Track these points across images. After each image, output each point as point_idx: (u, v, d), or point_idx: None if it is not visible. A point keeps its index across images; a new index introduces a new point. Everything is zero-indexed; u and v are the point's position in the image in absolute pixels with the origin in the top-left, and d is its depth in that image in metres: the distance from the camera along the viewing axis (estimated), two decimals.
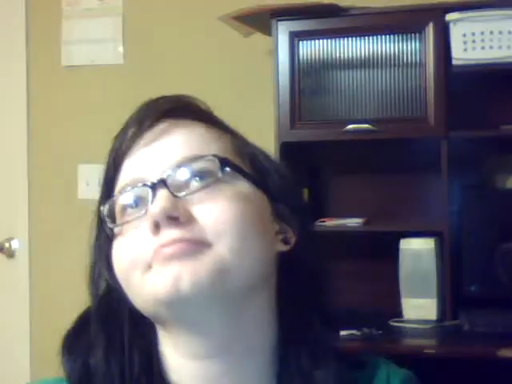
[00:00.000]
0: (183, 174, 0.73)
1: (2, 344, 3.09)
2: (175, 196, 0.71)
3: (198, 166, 0.73)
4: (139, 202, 0.73)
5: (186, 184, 0.72)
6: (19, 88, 3.07)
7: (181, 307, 0.70)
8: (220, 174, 0.72)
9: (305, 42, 2.43)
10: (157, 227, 0.70)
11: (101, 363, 0.75)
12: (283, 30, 2.43)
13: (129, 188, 0.74)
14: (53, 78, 3.05)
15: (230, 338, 0.73)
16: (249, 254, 0.71)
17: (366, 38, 2.38)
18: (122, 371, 0.74)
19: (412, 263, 2.40)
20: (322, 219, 2.54)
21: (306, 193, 2.59)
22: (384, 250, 2.53)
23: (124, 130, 0.80)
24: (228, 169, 0.73)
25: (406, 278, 2.42)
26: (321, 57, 2.42)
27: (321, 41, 2.42)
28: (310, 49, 2.43)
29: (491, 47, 2.28)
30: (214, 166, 0.73)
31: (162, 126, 0.77)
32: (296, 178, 0.86)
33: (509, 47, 2.26)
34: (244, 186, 0.75)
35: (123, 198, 0.75)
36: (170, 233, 0.70)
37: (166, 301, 0.69)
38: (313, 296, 0.78)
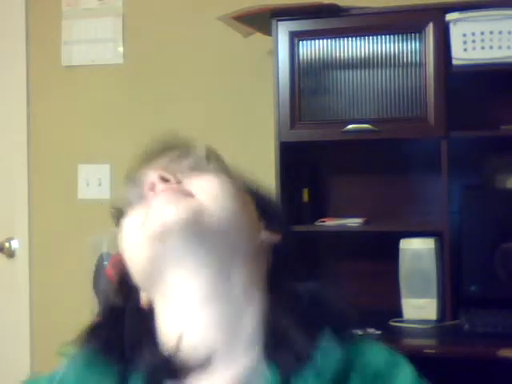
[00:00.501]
0: (180, 166, 0.88)
1: (2, 344, 3.09)
2: (170, 178, 0.85)
3: (192, 160, 0.89)
4: (142, 199, 0.86)
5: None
6: (19, 88, 3.07)
7: (171, 243, 0.79)
8: (214, 170, 0.88)
9: (305, 41, 2.43)
10: (152, 189, 0.83)
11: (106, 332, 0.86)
12: (283, 30, 2.43)
13: (136, 183, 0.88)
14: (53, 78, 3.05)
15: (217, 288, 0.81)
16: (230, 208, 0.82)
17: (366, 38, 2.38)
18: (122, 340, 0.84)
19: (412, 263, 2.40)
20: (322, 219, 2.54)
21: (306, 193, 2.60)
22: (384, 250, 2.53)
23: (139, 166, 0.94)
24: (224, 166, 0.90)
25: (405, 278, 2.42)
26: (321, 57, 2.42)
27: (321, 41, 2.42)
28: (310, 49, 2.43)
29: (491, 47, 2.28)
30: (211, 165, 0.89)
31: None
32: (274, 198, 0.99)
33: (509, 47, 2.26)
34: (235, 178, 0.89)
35: (129, 193, 0.89)
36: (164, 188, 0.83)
37: (158, 233, 0.79)
38: (300, 277, 0.88)
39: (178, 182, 0.84)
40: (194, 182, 0.84)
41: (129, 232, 0.85)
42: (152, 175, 0.84)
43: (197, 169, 0.87)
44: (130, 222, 0.85)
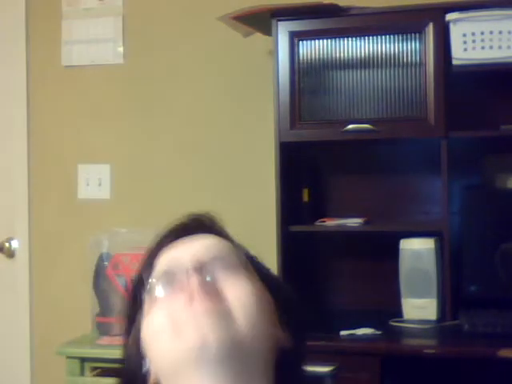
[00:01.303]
0: (213, 264, 0.88)
1: (2, 344, 3.09)
2: (206, 280, 0.86)
3: (227, 259, 0.90)
4: (175, 282, 0.87)
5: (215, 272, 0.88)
6: (19, 88, 3.07)
7: (206, 362, 0.82)
8: (243, 268, 0.89)
9: (305, 41, 2.43)
10: (191, 299, 0.84)
11: None
12: (283, 30, 2.43)
13: (168, 268, 0.89)
14: (53, 78, 3.05)
15: None
16: (261, 329, 0.86)
17: (366, 38, 2.38)
18: None
19: (412, 263, 2.40)
20: (322, 219, 2.54)
21: (306, 193, 2.60)
22: (384, 250, 2.53)
23: (165, 234, 0.96)
24: (249, 265, 0.91)
25: (406, 277, 2.42)
26: (321, 57, 2.42)
27: (321, 41, 2.42)
28: (310, 49, 2.43)
29: (491, 47, 2.28)
30: (238, 260, 0.90)
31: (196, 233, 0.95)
32: (293, 290, 0.99)
33: (509, 47, 2.26)
34: (257, 278, 0.91)
35: (162, 278, 0.89)
36: (203, 303, 0.84)
37: (195, 353, 0.82)
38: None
39: (213, 280, 0.86)
40: (227, 284, 0.87)
41: (159, 330, 0.86)
42: (187, 263, 0.87)
43: (229, 267, 0.89)
44: (160, 314, 0.86)
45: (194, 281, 0.85)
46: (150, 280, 0.89)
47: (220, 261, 0.89)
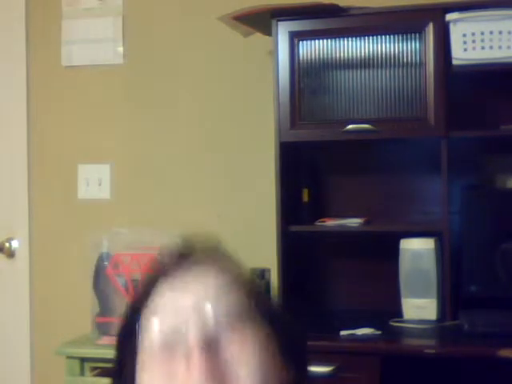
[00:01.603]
0: (215, 314, 0.83)
1: (2, 344, 3.09)
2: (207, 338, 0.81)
3: (229, 303, 0.84)
4: (174, 338, 0.82)
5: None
6: (19, 88, 3.07)
7: None
8: (248, 320, 0.84)
9: (305, 41, 2.43)
10: (191, 363, 0.79)
11: None
12: (283, 30, 2.43)
13: (166, 321, 0.83)
14: (53, 78, 3.05)
15: None
16: None
17: (366, 38, 2.38)
18: None
19: (412, 263, 2.40)
20: (322, 219, 2.54)
21: (306, 193, 2.60)
22: (384, 250, 2.53)
23: (164, 260, 0.90)
24: (254, 309, 0.85)
25: (406, 277, 2.42)
26: (321, 57, 2.42)
27: (321, 41, 2.42)
28: (310, 49, 2.43)
29: (491, 47, 2.28)
30: (243, 304, 0.85)
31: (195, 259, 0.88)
32: (297, 322, 0.94)
33: (509, 47, 2.26)
34: (262, 324, 0.85)
35: (160, 332, 0.83)
36: (203, 366, 0.79)
37: None
38: None
39: (215, 336, 0.82)
40: (231, 343, 0.83)
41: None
42: (192, 335, 0.81)
43: (236, 316, 0.84)
44: (158, 376, 0.82)
45: (195, 341, 0.80)
46: (145, 324, 0.84)
47: (221, 309, 0.83)
